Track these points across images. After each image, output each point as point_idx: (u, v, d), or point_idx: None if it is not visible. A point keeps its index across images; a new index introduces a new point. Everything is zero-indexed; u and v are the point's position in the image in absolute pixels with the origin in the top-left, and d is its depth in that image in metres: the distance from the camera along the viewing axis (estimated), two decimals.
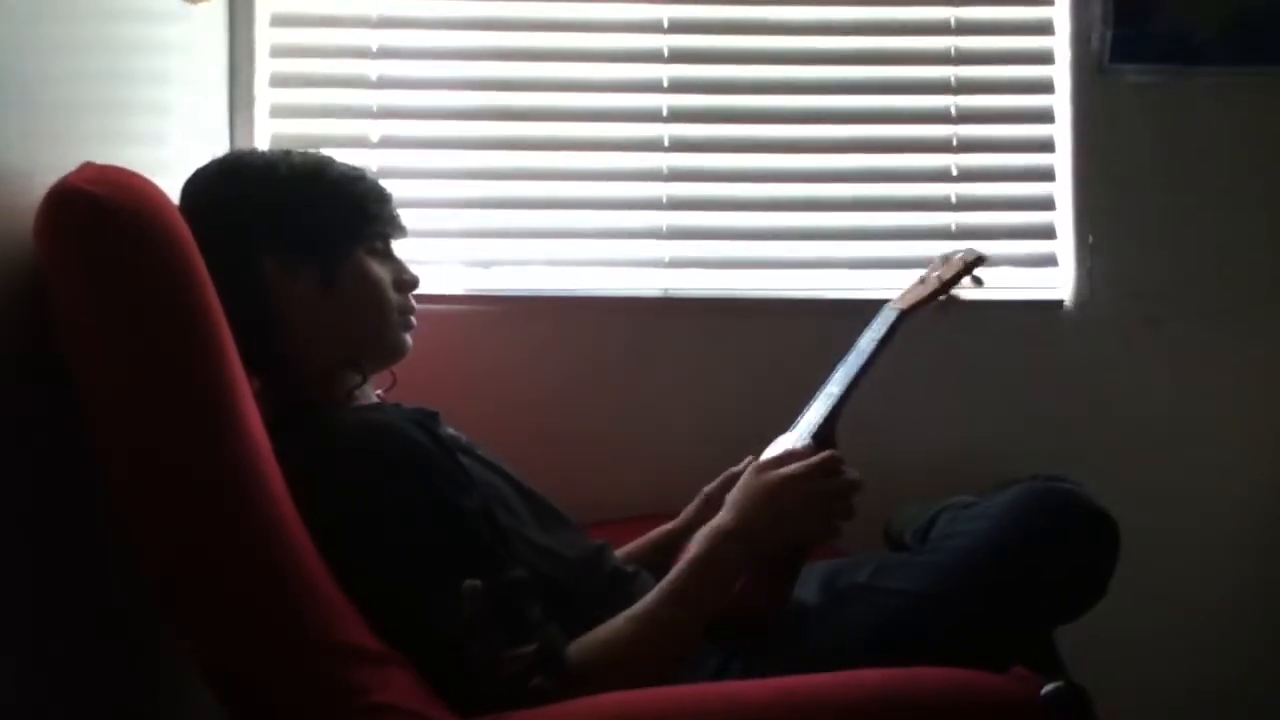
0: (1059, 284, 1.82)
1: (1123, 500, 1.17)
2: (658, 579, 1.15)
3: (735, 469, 1.38)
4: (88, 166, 0.99)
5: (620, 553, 1.39)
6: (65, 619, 1.09)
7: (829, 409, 1.26)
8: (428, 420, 1.21)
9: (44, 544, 1.06)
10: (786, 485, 1.14)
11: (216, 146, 1.66)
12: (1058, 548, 1.07)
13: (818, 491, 1.14)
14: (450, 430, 1.26)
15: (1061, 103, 1.82)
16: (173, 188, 1.19)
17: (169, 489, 0.95)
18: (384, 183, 1.32)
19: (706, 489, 1.42)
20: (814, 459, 1.15)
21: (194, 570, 0.96)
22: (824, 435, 1.25)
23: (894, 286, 1.78)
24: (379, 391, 1.34)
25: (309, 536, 1.05)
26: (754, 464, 1.21)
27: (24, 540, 1.02)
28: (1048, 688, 0.96)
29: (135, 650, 1.23)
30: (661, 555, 1.37)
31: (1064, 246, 1.82)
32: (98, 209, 0.93)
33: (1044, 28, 1.83)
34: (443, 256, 1.79)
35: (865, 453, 1.67)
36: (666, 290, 1.79)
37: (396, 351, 1.30)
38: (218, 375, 0.99)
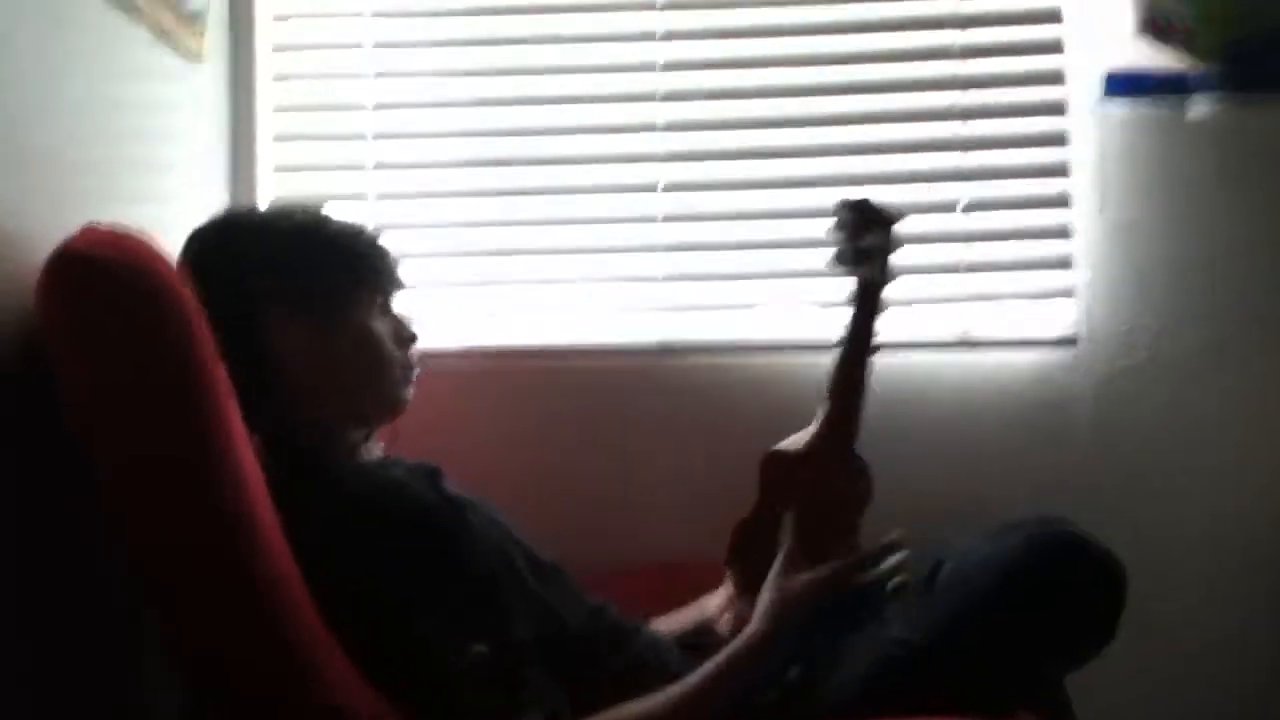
0: (1073, 319, 1.76)
1: (1134, 536, 1.15)
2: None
3: None
4: (89, 229, 1.00)
5: (662, 623, 1.39)
6: None
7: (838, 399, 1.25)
8: (432, 476, 1.21)
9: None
10: (812, 591, 1.16)
11: (217, 204, 1.67)
12: (1065, 595, 1.06)
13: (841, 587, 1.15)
14: (451, 487, 1.25)
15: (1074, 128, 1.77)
16: (174, 245, 1.19)
17: (171, 563, 0.94)
18: (382, 238, 1.32)
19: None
20: (833, 572, 1.16)
21: (194, 637, 0.95)
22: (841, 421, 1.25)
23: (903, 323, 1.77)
24: (380, 445, 1.33)
25: (312, 595, 1.04)
26: (780, 565, 1.20)
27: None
28: None
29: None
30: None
31: (1080, 279, 1.77)
32: (99, 274, 0.94)
33: (1054, 46, 1.78)
34: (442, 308, 1.78)
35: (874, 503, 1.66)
36: (665, 339, 1.78)
37: (396, 407, 1.29)
38: (221, 440, 0.98)
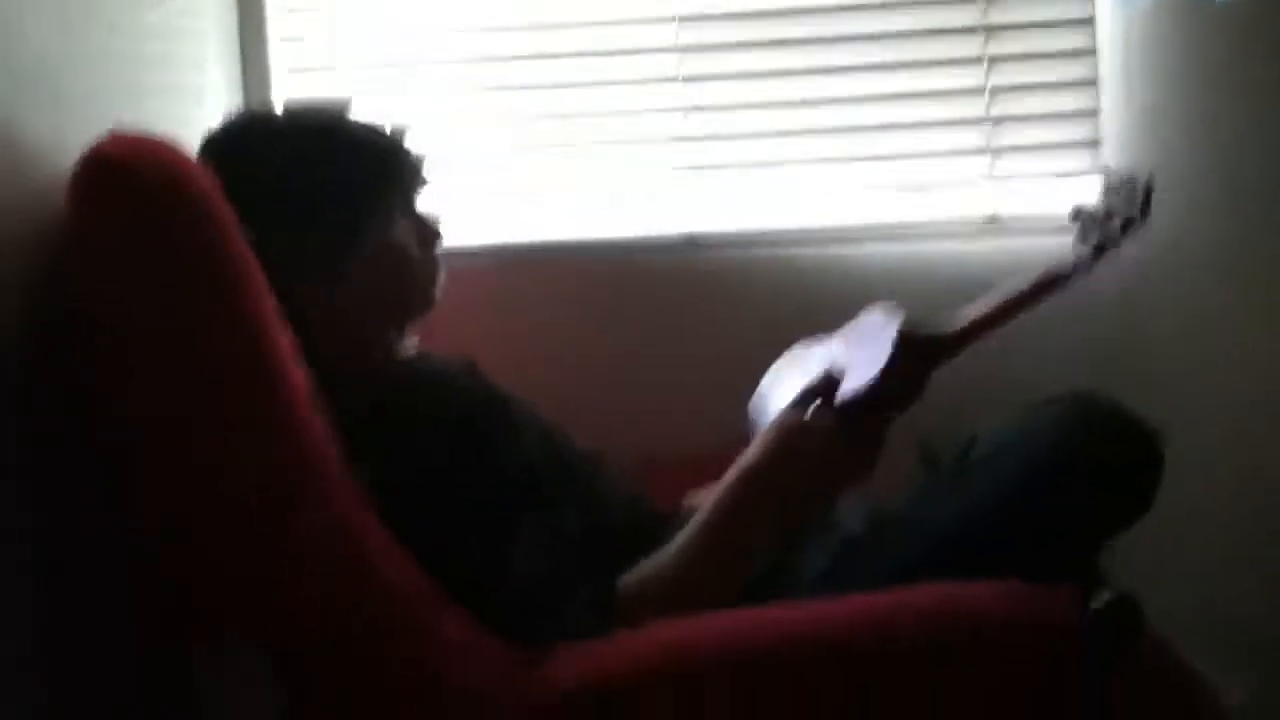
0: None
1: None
2: None
3: None
4: (117, 134, 0.98)
5: (696, 499, 1.39)
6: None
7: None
8: (471, 367, 1.22)
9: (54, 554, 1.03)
10: (822, 433, 1.14)
11: (231, 104, 1.65)
12: (1102, 465, 1.06)
13: (837, 444, 1.13)
14: (488, 380, 1.26)
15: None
16: (195, 144, 1.18)
17: (218, 472, 0.94)
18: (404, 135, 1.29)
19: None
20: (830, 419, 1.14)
21: (248, 555, 0.95)
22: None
23: (930, 208, 1.74)
24: (414, 341, 1.34)
25: (366, 498, 1.05)
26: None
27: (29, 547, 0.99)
28: (1102, 598, 0.97)
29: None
30: None
31: (1108, 159, 1.75)
32: (130, 175, 0.92)
33: None
34: (465, 205, 1.76)
35: None
36: (691, 231, 1.77)
37: (424, 306, 1.30)
38: (261, 343, 0.98)
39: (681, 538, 1.13)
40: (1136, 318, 1.74)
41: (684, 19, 1.76)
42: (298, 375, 1.03)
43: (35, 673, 0.98)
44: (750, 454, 1.15)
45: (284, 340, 1.02)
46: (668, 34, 1.77)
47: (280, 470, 0.97)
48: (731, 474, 1.15)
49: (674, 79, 1.77)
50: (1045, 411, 1.15)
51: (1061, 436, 1.09)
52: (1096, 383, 1.60)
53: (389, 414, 1.13)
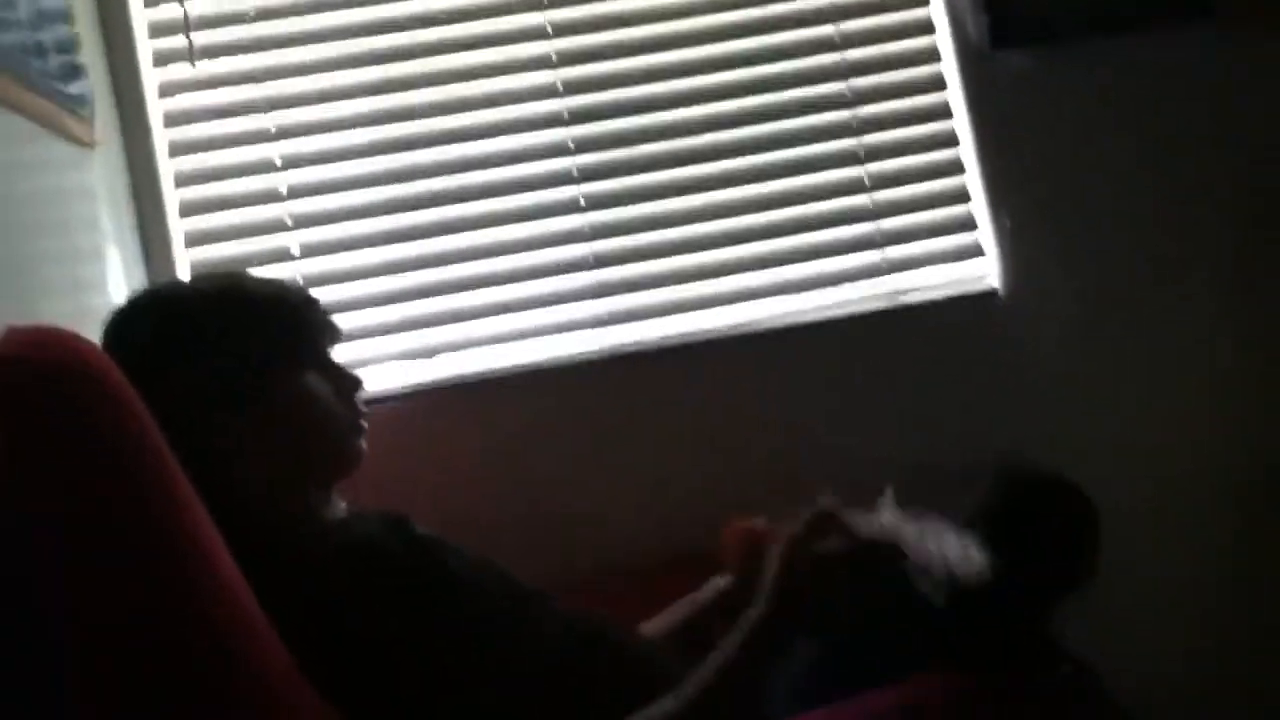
0: (989, 273, 1.86)
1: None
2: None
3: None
4: (11, 331, 0.96)
5: (649, 627, 1.38)
6: None
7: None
8: (401, 524, 1.19)
9: None
10: (817, 567, 1.09)
11: (134, 285, 1.64)
12: (1046, 530, 1.07)
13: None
14: (423, 531, 1.24)
15: (955, 96, 1.87)
16: (98, 335, 1.16)
17: (140, 670, 0.90)
18: (313, 291, 1.30)
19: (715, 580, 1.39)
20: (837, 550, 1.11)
21: None
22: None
23: (830, 304, 1.82)
24: (343, 504, 1.31)
25: (303, 674, 1.02)
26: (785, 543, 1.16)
27: None
28: (1062, 669, 0.97)
29: None
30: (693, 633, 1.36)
31: (986, 235, 1.86)
32: (33, 376, 0.89)
33: (926, 27, 1.88)
34: (382, 353, 1.77)
35: (824, 474, 1.69)
36: (607, 348, 1.80)
37: (352, 462, 1.26)
38: (185, 531, 0.95)
39: (686, 688, 1.09)
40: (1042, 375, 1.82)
41: (578, 144, 1.82)
42: (223, 560, 1.00)
43: None
44: (756, 608, 1.10)
45: (205, 524, 0.99)
46: (567, 162, 1.82)
47: (206, 662, 0.93)
48: (741, 627, 1.11)
49: (577, 206, 1.82)
50: (991, 475, 1.14)
51: (1006, 498, 1.09)
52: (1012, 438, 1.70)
53: (320, 591, 1.09)
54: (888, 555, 1.00)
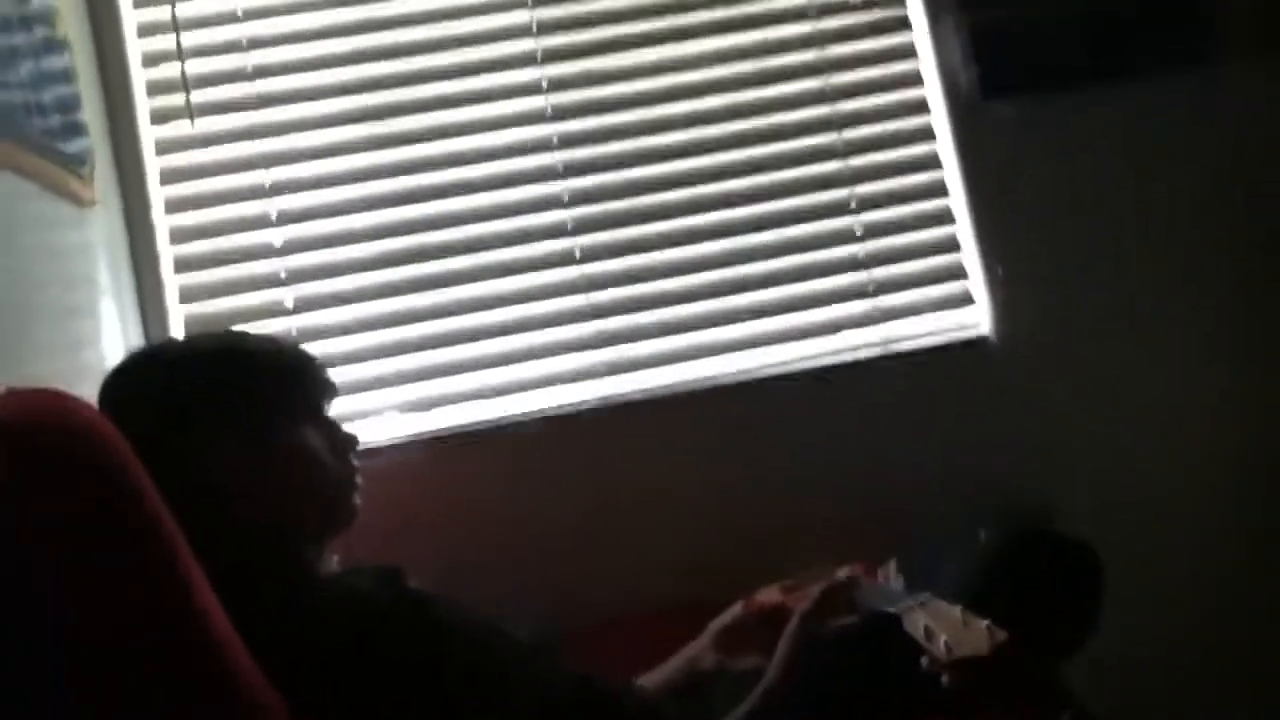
0: (980, 321, 1.87)
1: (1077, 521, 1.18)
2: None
3: (736, 610, 1.37)
4: (10, 394, 0.96)
5: (650, 679, 1.37)
6: None
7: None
8: (395, 579, 1.19)
9: None
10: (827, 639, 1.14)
11: (131, 342, 1.65)
12: (1045, 593, 1.07)
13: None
14: (417, 587, 1.23)
15: (945, 147, 1.89)
16: (94, 393, 1.17)
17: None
18: (307, 346, 1.31)
19: (713, 627, 1.39)
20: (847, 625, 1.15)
21: None
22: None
23: (825, 352, 1.83)
24: (335, 559, 1.31)
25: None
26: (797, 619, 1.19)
27: None
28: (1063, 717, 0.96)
29: None
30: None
31: (977, 283, 1.87)
32: (28, 443, 0.89)
33: (916, 79, 1.91)
34: (378, 405, 1.78)
35: (821, 523, 1.70)
36: (604, 398, 1.80)
37: (346, 519, 1.25)
38: (187, 601, 0.94)
39: None
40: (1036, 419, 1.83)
41: (573, 197, 1.84)
42: (221, 621, 1.00)
43: None
44: (770, 677, 1.14)
45: (200, 583, 0.99)
46: (562, 215, 1.84)
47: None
48: (755, 699, 1.14)
49: (572, 259, 1.83)
50: (985, 543, 1.15)
51: (1002, 566, 1.10)
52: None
53: (306, 642, 1.09)
54: (894, 633, 1.01)
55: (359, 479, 1.28)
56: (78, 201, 1.55)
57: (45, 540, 0.86)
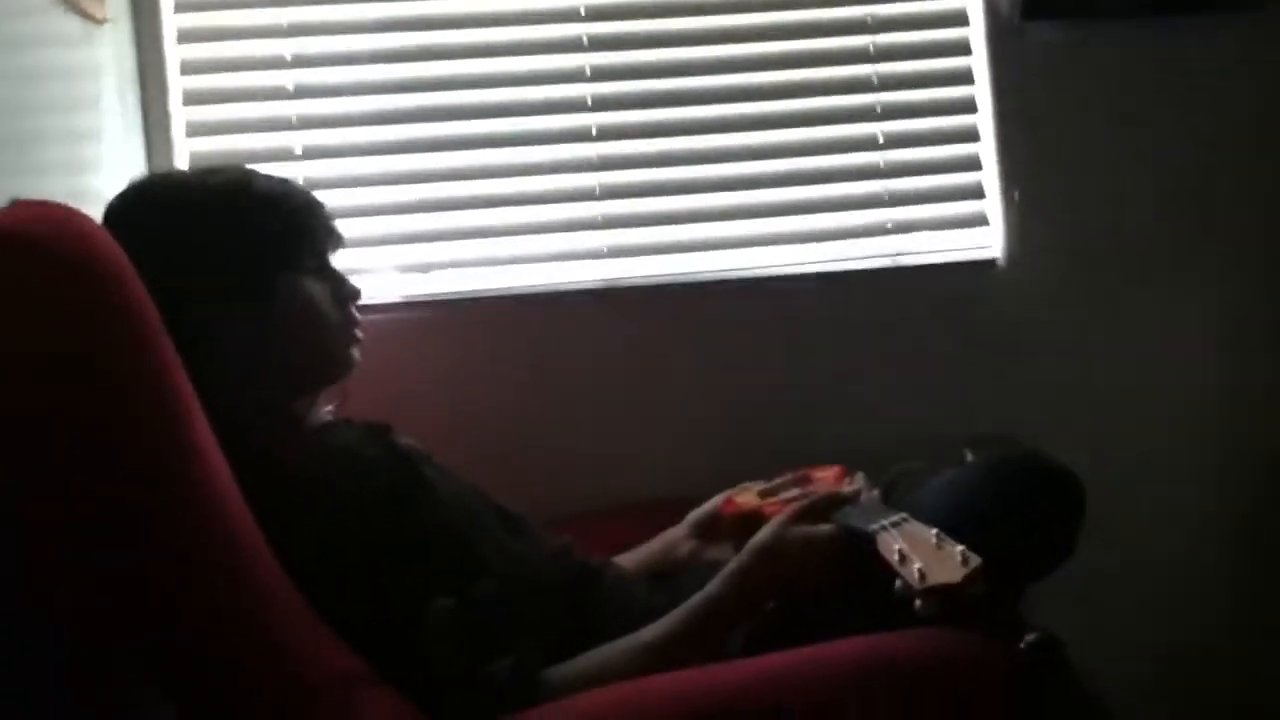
0: (991, 243, 1.85)
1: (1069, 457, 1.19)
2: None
3: (715, 503, 1.38)
4: (18, 204, 0.95)
5: (626, 559, 1.40)
6: None
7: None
8: (383, 434, 1.19)
9: None
10: (806, 543, 1.12)
11: (134, 170, 1.61)
12: (1026, 512, 1.08)
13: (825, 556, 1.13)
14: (405, 441, 1.24)
15: (980, 63, 1.84)
16: (94, 217, 1.14)
17: (121, 543, 0.90)
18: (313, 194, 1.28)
19: (691, 517, 1.41)
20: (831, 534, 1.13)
21: (160, 622, 0.92)
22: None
23: (831, 258, 1.82)
24: (329, 408, 1.31)
25: (280, 570, 1.02)
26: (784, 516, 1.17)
27: None
28: (1027, 638, 0.98)
29: None
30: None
31: (993, 206, 1.85)
32: (32, 250, 0.88)
33: None
34: (379, 263, 1.76)
35: (815, 428, 1.72)
36: (607, 281, 1.79)
37: (344, 370, 1.26)
38: (171, 418, 0.95)
39: (653, 629, 1.12)
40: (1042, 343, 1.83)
41: (595, 72, 1.79)
42: (212, 448, 1.00)
43: None
44: (740, 561, 1.13)
45: (194, 405, 0.99)
46: (581, 90, 1.79)
47: (190, 535, 0.94)
48: (721, 581, 1.13)
49: (588, 135, 1.80)
50: (969, 466, 1.17)
51: (984, 487, 1.11)
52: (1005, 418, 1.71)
53: (296, 489, 1.09)
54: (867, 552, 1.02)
55: (359, 332, 1.27)
56: (90, 18, 1.50)
57: (48, 339, 0.86)
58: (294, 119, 1.75)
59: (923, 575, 0.92)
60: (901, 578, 0.94)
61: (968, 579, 0.92)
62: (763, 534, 1.13)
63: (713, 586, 1.12)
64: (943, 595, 0.91)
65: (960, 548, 0.95)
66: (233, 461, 1.07)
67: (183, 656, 0.92)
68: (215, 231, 1.17)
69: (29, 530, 0.89)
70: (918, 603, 0.92)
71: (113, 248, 0.95)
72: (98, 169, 1.50)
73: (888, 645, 1.01)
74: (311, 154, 1.75)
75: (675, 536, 1.42)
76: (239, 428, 1.11)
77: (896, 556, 0.96)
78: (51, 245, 0.88)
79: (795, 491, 1.32)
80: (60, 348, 0.87)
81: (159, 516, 0.91)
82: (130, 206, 1.18)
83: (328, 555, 1.07)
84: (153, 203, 1.19)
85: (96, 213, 1.15)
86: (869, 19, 1.84)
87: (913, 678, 0.99)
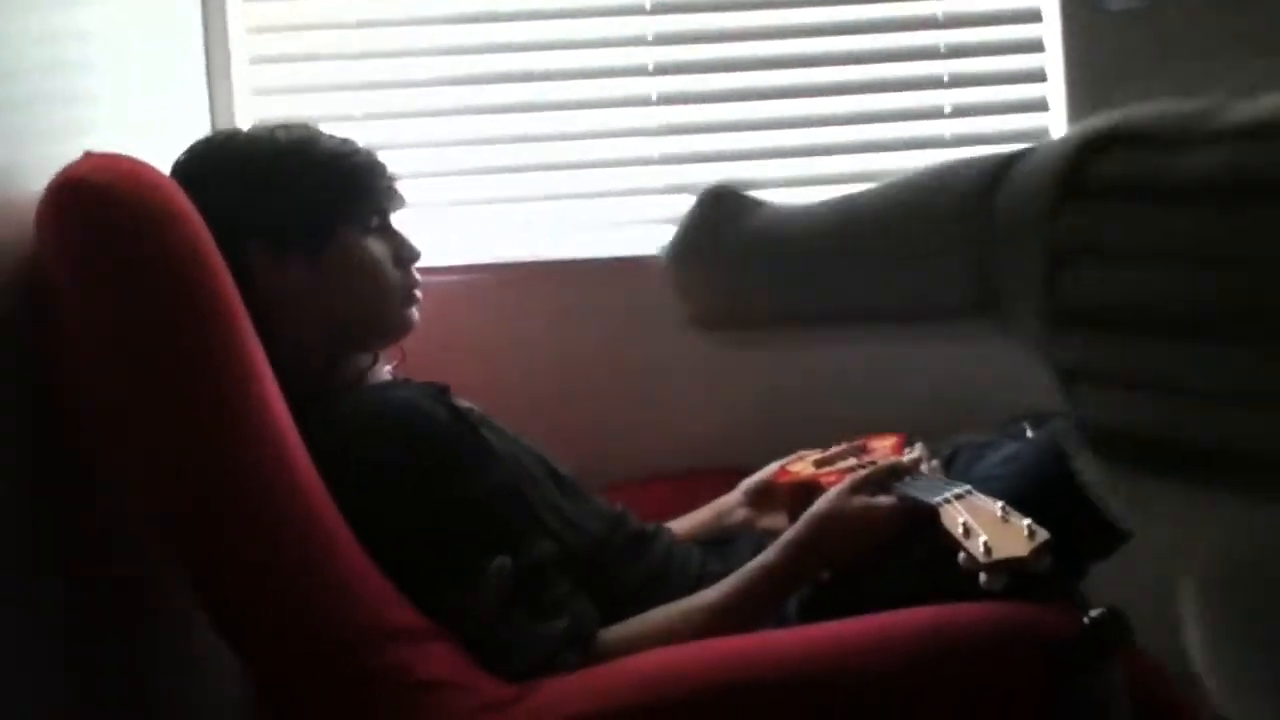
0: None
1: None
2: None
3: (770, 472, 1.37)
4: (89, 157, 0.96)
5: (678, 525, 1.39)
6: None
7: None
8: (441, 395, 1.20)
9: (40, 549, 1.01)
10: (864, 515, 1.13)
11: (198, 129, 1.62)
12: (1092, 490, 1.06)
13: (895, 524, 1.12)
14: (464, 403, 1.24)
15: (1051, 32, 1.79)
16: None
17: (194, 489, 0.92)
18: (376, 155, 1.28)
19: (745, 485, 1.40)
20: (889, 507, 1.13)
21: (227, 568, 0.94)
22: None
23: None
24: (389, 367, 1.32)
25: (344, 521, 1.03)
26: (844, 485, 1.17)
27: (19, 546, 0.98)
28: (1092, 613, 0.97)
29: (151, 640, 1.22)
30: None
31: None
32: (106, 199, 0.90)
33: None
34: (440, 227, 1.75)
35: (869, 398, 1.68)
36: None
37: (401, 330, 1.27)
38: (240, 367, 0.96)
39: (707, 595, 1.12)
40: None
41: (660, 38, 1.78)
42: (277, 399, 1.01)
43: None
44: (795, 533, 1.14)
45: (260, 356, 1.00)
46: (644, 55, 1.78)
47: (256, 480, 0.95)
48: (778, 550, 1.13)
49: (649, 101, 1.78)
50: (1031, 440, 1.14)
51: (1048, 463, 1.09)
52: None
53: (354, 443, 1.11)
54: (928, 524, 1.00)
55: (418, 293, 1.28)
56: None
57: (122, 285, 0.88)
58: (357, 81, 1.75)
59: (989, 549, 0.90)
60: (966, 551, 0.93)
61: (1035, 553, 0.90)
62: (821, 503, 1.13)
63: (770, 554, 1.12)
64: (1010, 569, 0.90)
65: (1027, 521, 0.93)
66: (293, 412, 1.08)
67: (237, 602, 0.94)
68: (280, 178, 1.19)
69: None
70: (983, 576, 0.90)
71: (181, 197, 0.96)
72: (161, 126, 1.51)
73: (955, 617, 1.00)
74: (372, 117, 1.75)
75: (728, 504, 1.41)
76: (299, 379, 1.13)
77: (961, 530, 0.94)
78: (125, 194, 0.90)
79: (852, 461, 1.30)
80: (137, 287, 0.89)
81: (229, 453, 0.93)
82: (198, 158, 1.20)
83: (387, 509, 1.08)
84: (221, 153, 1.21)
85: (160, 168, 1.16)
86: None
87: (980, 650, 0.98)
